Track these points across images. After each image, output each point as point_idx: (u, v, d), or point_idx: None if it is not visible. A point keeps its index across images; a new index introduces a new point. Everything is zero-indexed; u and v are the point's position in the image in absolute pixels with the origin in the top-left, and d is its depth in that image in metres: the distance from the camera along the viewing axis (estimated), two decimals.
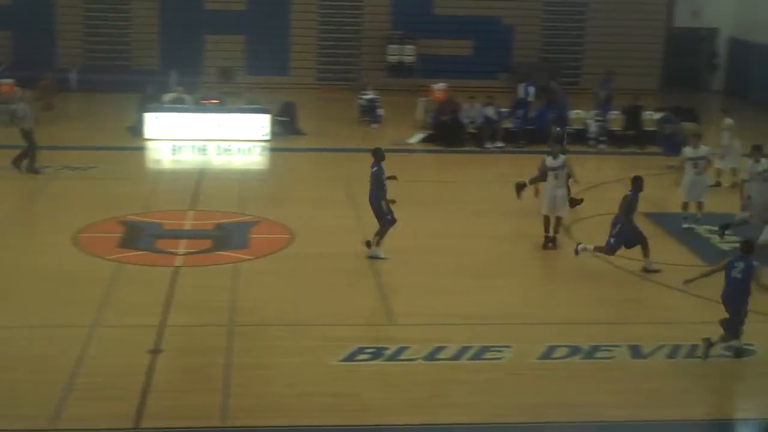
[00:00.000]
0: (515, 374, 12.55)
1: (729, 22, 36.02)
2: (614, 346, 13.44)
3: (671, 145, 24.44)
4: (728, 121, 22.53)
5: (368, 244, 16.77)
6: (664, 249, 17.51)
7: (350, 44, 34.80)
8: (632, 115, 26.80)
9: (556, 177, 17.92)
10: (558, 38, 35.55)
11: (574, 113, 27.41)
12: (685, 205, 19.31)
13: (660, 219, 19.49)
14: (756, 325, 14.22)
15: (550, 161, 18.07)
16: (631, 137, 26.54)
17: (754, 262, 13.16)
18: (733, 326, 13.09)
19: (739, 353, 13.22)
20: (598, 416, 11.59)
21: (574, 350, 13.26)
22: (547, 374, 12.62)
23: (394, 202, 16.86)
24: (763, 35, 33.20)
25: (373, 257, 16.70)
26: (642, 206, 19.05)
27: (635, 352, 13.34)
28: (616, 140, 26.47)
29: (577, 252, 16.61)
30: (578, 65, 35.54)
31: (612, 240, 16.30)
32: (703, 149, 19.41)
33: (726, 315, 13.11)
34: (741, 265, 13.07)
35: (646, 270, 16.44)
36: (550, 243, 17.79)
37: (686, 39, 36.53)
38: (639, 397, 12.10)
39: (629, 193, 16.49)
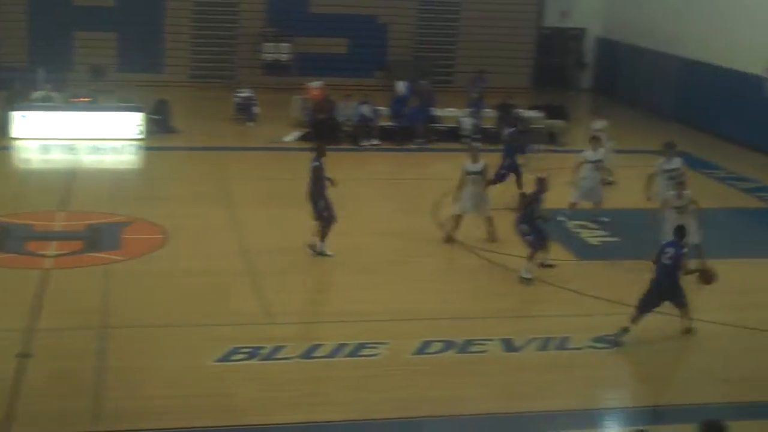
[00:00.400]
0: (391, 370, 12.68)
1: (597, 22, 37.01)
2: (487, 340, 13.69)
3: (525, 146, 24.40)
4: (601, 123, 22.88)
5: (312, 248, 16.70)
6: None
7: (225, 42, 34.49)
8: (503, 113, 27.25)
9: (474, 182, 17.75)
10: (432, 37, 35.92)
11: (448, 111, 27.76)
12: (574, 204, 19.39)
13: None
14: (621, 317, 14.72)
15: (468, 166, 17.89)
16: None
17: (684, 249, 13.79)
18: (683, 301, 13.77)
19: (619, 342, 13.72)
20: (471, 410, 11.80)
21: (449, 345, 13.46)
22: (421, 369, 12.78)
23: (334, 183, 16.81)
24: (628, 35, 34.21)
25: (320, 253, 16.65)
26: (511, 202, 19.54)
27: (508, 345, 13.62)
28: (489, 137, 26.89)
29: (528, 279, 16.06)
30: (452, 64, 35.98)
31: (532, 238, 16.20)
32: (601, 151, 19.55)
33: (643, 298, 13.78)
34: (671, 250, 13.66)
35: (543, 265, 16.59)
36: (490, 241, 17.87)
37: (556, 39, 37.38)
38: (510, 389, 12.39)
39: (532, 192, 16.57)
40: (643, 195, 18.28)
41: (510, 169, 20.44)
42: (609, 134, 22.36)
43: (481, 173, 17.87)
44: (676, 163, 18.33)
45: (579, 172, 19.41)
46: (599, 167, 19.33)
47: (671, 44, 30.97)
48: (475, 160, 17.97)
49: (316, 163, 16.71)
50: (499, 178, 20.26)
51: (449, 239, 17.90)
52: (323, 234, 16.68)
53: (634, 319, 13.75)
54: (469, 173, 17.83)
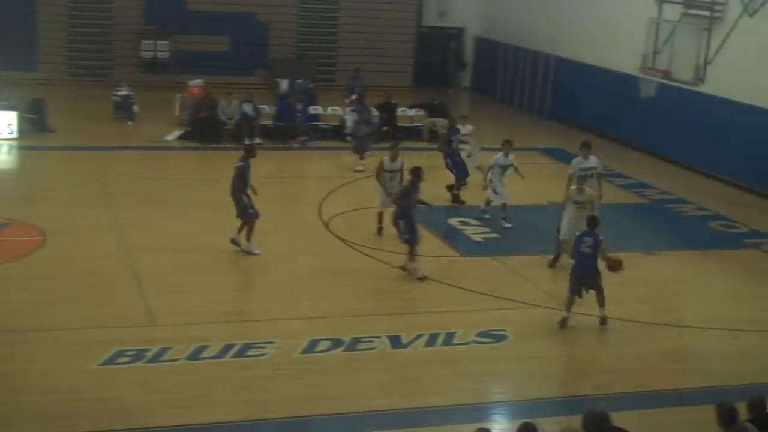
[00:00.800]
0: (279, 370, 12.64)
1: (475, 22, 37.56)
2: (374, 338, 13.77)
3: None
4: (468, 128, 23.10)
5: (234, 241, 16.86)
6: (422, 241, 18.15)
7: (102, 39, 33.75)
8: (386, 112, 27.43)
9: (392, 179, 18.12)
10: (313, 35, 35.89)
11: (330, 109, 27.78)
12: (504, 206, 19.45)
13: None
14: (504, 312, 15.02)
15: (387, 163, 18.21)
16: (385, 133, 27.17)
17: (601, 237, 14.46)
18: (601, 287, 14.46)
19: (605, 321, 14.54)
20: (361, 407, 11.83)
21: (336, 343, 13.49)
22: (310, 368, 12.78)
23: (255, 193, 17.03)
24: (506, 35, 34.76)
25: (247, 253, 16.77)
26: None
27: (395, 342, 13.71)
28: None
29: (423, 278, 16.22)
30: (333, 62, 36.01)
31: (408, 236, 16.29)
32: (511, 157, 19.53)
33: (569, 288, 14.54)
34: (589, 240, 14.35)
35: (405, 269, 16.71)
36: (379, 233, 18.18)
37: (435, 38, 37.80)
38: (400, 385, 12.47)
39: (408, 182, 16.64)
40: (562, 193, 18.24)
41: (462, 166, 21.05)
42: (477, 138, 22.69)
43: (399, 171, 18.24)
44: (593, 162, 18.47)
45: (488, 175, 19.65)
46: (507, 172, 19.56)
47: (548, 44, 31.61)
48: (393, 158, 18.31)
49: (242, 163, 16.94)
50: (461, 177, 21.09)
51: (380, 231, 18.24)
52: (249, 233, 16.88)
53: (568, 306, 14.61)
54: (386, 170, 18.18)
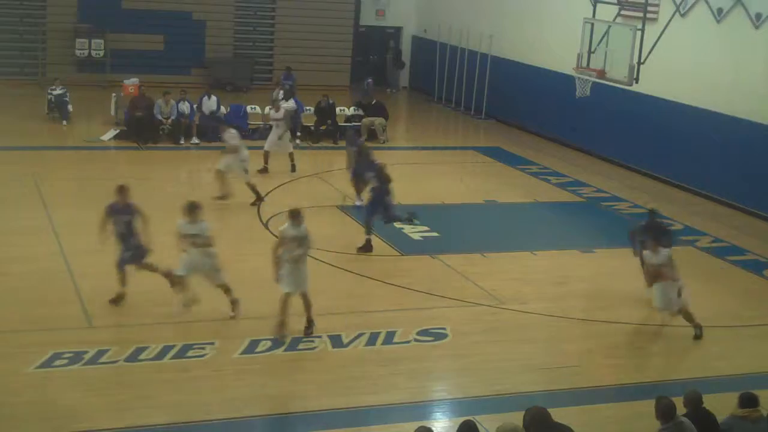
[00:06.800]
0: (219, 370, 12.55)
1: (411, 21, 37.65)
2: (315, 337, 13.73)
3: None
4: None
5: None
6: (358, 240, 18.13)
7: (34, 37, 33.19)
8: (325, 111, 27.37)
9: (276, 127, 21.91)
10: (251, 34, 35.68)
11: (267, 109, 27.60)
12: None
13: (353, 211, 20.11)
14: (444, 310, 15.07)
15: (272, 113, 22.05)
16: (324, 132, 27.16)
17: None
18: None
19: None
20: (303, 407, 11.81)
21: (277, 343, 13.43)
22: (250, 369, 12.71)
23: None
24: (441, 34, 34.84)
25: None
26: (335, 201, 19.69)
27: (336, 341, 13.70)
28: (310, 135, 27.00)
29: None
30: (271, 62, 35.83)
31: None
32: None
33: None
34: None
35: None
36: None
37: (374, 37, 37.82)
38: (341, 385, 12.44)
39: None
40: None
41: None
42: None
43: (283, 119, 22.47)
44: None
45: None
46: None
47: (484, 43, 31.78)
48: (277, 109, 22.53)
49: None
50: None
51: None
52: None
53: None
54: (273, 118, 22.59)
